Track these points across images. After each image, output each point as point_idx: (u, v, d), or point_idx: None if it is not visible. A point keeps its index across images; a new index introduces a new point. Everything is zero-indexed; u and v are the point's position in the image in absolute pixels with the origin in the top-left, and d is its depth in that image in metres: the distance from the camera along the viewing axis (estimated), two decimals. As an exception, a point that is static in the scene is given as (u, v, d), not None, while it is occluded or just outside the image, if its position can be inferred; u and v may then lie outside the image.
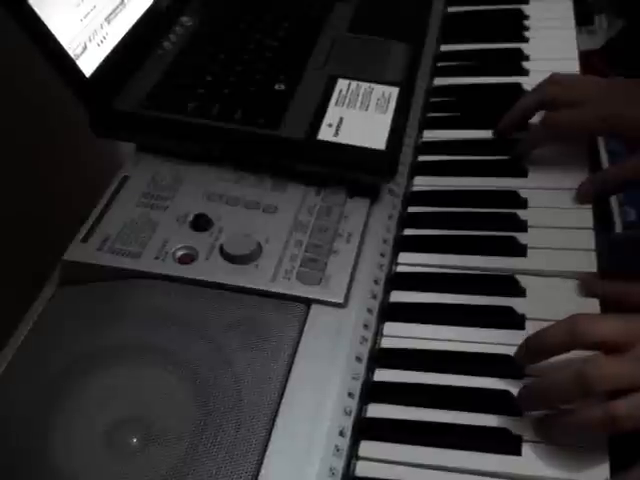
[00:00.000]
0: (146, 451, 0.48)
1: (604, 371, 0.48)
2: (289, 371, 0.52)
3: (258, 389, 0.50)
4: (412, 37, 0.78)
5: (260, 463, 0.47)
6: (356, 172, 0.64)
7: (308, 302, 0.56)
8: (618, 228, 0.81)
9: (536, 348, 0.52)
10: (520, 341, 0.55)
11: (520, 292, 0.59)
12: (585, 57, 0.85)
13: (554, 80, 0.69)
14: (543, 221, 0.65)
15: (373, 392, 0.54)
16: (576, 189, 0.66)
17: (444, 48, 0.86)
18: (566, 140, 0.70)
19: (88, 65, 0.65)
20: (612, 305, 0.57)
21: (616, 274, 0.59)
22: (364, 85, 0.69)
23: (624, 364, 0.48)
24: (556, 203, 0.66)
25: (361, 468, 0.50)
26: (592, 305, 0.58)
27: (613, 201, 0.92)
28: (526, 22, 0.87)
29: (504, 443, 0.50)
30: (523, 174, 0.69)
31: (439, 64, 0.83)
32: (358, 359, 0.54)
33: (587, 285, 0.59)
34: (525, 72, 0.79)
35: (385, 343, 0.57)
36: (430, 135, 0.75)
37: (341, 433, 0.50)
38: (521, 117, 0.71)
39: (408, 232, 0.66)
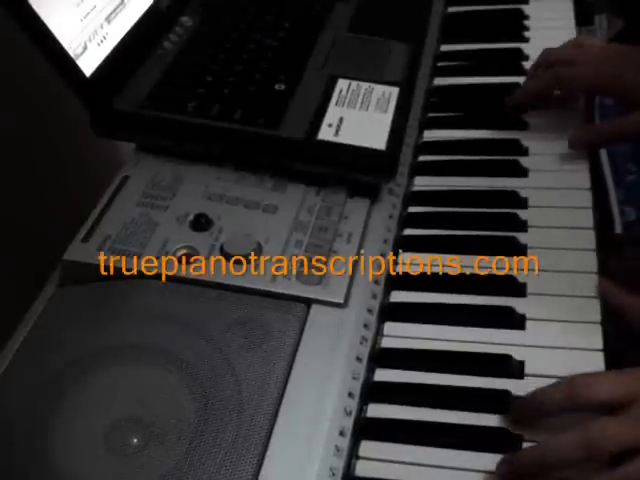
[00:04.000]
0: (146, 451, 0.48)
1: (609, 432, 0.46)
2: (289, 371, 0.52)
3: (258, 389, 0.50)
4: (412, 37, 0.78)
5: (260, 463, 0.47)
6: (356, 172, 0.64)
7: (308, 302, 0.56)
8: (618, 228, 0.81)
9: (533, 410, 0.51)
10: (520, 341, 0.55)
11: (520, 292, 0.59)
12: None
13: (562, 46, 0.74)
14: (543, 221, 0.65)
15: (373, 392, 0.54)
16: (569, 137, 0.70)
17: (444, 48, 0.86)
18: (564, 96, 0.74)
19: (88, 65, 0.65)
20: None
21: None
22: (364, 85, 0.69)
23: (627, 423, 0.47)
24: (556, 203, 0.66)
25: (361, 468, 0.50)
26: (592, 306, 0.58)
27: (613, 201, 0.92)
28: (526, 22, 0.87)
29: (504, 443, 0.50)
30: (523, 174, 0.69)
31: (439, 64, 0.83)
32: (358, 359, 0.54)
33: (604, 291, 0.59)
34: (525, 72, 0.79)
35: (385, 343, 0.57)
36: (430, 135, 0.75)
37: (341, 433, 0.50)
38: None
39: (408, 232, 0.66)
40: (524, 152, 0.71)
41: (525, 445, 0.50)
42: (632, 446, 0.46)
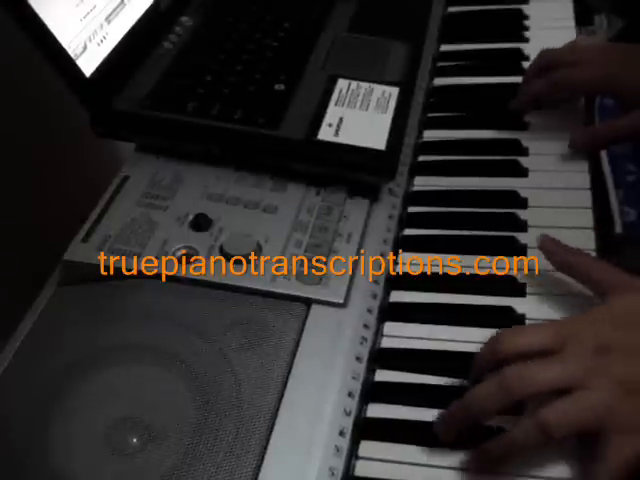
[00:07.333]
0: (146, 451, 0.48)
1: (524, 373, 0.47)
2: (289, 371, 0.52)
3: (258, 389, 0.50)
4: (412, 37, 0.78)
5: (260, 463, 0.47)
6: (356, 172, 0.64)
7: (308, 302, 0.56)
8: (618, 228, 0.81)
9: (473, 374, 0.52)
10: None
11: (520, 292, 0.59)
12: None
13: (557, 49, 0.74)
14: (543, 221, 0.65)
15: (373, 392, 0.54)
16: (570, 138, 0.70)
17: (444, 48, 0.86)
18: (564, 98, 0.74)
19: (88, 65, 0.65)
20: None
21: None
22: (364, 85, 0.70)
23: (550, 365, 0.47)
24: (556, 203, 0.66)
25: (361, 468, 0.50)
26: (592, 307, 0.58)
27: (613, 201, 0.92)
28: (526, 22, 0.87)
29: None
30: (523, 174, 0.69)
31: (439, 64, 0.83)
32: (358, 359, 0.54)
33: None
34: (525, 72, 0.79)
35: (385, 343, 0.57)
36: (430, 135, 0.75)
37: (341, 433, 0.50)
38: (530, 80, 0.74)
39: (408, 232, 0.66)
40: (524, 152, 0.71)
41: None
42: (557, 387, 0.46)
